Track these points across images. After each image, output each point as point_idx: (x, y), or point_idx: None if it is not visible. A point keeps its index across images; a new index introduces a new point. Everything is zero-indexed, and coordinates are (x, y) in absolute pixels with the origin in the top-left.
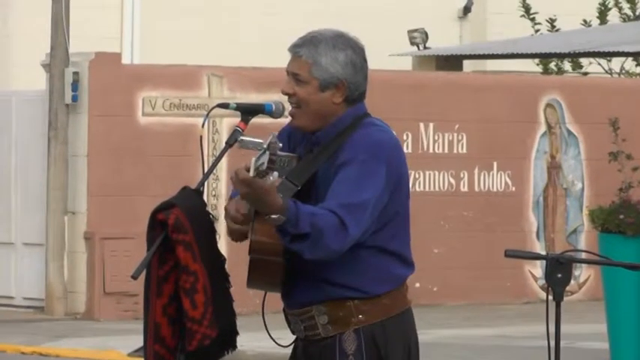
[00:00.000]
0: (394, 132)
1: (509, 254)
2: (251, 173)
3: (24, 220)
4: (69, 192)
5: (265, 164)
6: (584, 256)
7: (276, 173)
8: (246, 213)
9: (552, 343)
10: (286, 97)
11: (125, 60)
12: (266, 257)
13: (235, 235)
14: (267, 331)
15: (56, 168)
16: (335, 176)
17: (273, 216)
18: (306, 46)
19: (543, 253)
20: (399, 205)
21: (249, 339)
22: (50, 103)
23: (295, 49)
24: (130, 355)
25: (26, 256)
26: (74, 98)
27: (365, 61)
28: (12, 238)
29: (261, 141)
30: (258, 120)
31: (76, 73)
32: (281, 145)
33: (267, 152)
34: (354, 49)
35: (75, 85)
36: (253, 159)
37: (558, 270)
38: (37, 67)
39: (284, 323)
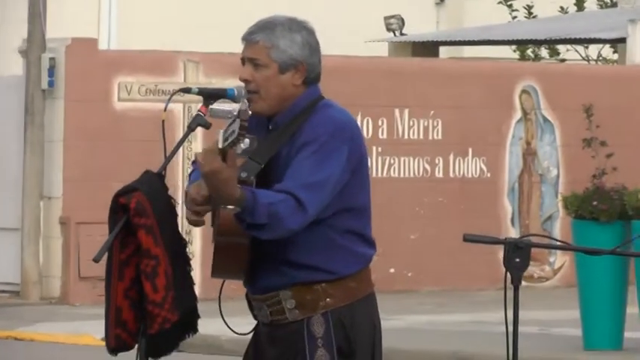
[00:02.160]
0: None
1: (468, 239)
2: (220, 145)
3: (0, 205)
4: (45, 177)
5: (237, 132)
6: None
7: (247, 140)
8: (207, 195)
9: (511, 328)
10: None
11: (102, 46)
12: (232, 239)
13: (193, 220)
14: (223, 319)
15: (32, 153)
16: (295, 156)
17: (229, 207)
18: (262, 31)
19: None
20: (362, 185)
21: (222, 324)
22: (27, 89)
23: (251, 35)
24: (103, 339)
25: (1, 240)
26: (50, 84)
27: (318, 42)
28: None
29: (231, 109)
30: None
31: (52, 59)
32: (250, 113)
33: (238, 120)
34: (308, 31)
35: (51, 71)
36: (221, 131)
37: (516, 254)
38: (14, 53)
39: (245, 309)
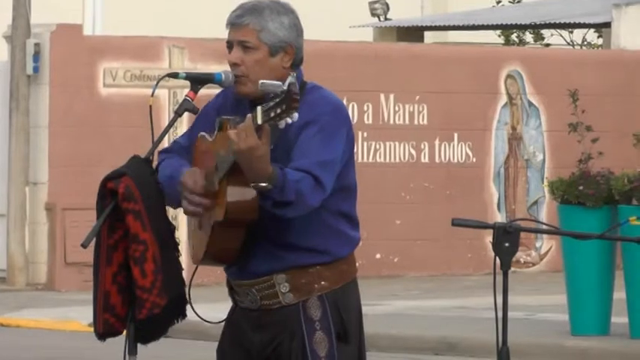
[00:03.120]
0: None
1: (457, 223)
2: (259, 121)
3: None
4: (30, 163)
5: (286, 106)
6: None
7: (296, 115)
8: (205, 184)
9: (500, 314)
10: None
11: (87, 31)
12: (242, 217)
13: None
14: (192, 307)
15: (17, 139)
16: (297, 136)
17: (261, 184)
18: (250, 14)
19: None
20: (351, 166)
21: (209, 310)
22: (12, 75)
23: (239, 18)
24: (90, 325)
25: None
26: (35, 69)
27: (302, 25)
28: None
29: (279, 83)
30: (209, 90)
31: (37, 45)
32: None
33: (284, 95)
34: (293, 13)
35: (36, 57)
36: (259, 108)
37: (505, 239)
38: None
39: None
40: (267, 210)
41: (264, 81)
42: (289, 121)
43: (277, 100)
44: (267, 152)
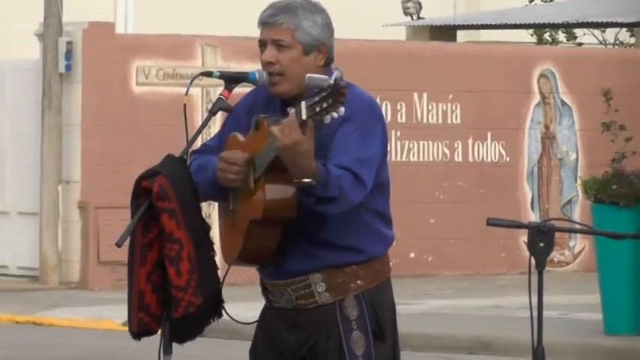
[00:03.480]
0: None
1: (492, 223)
2: (304, 116)
3: (18, 189)
4: (63, 161)
5: (333, 100)
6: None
7: (342, 109)
8: (242, 168)
9: (535, 313)
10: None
11: (119, 30)
12: (280, 215)
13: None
14: (223, 307)
15: (50, 137)
16: (334, 134)
17: (305, 180)
18: (284, 13)
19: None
20: (385, 164)
21: (243, 310)
22: (44, 73)
23: (272, 17)
24: (124, 324)
25: (20, 225)
26: (67, 68)
27: (332, 25)
28: (6, 208)
29: (326, 77)
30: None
31: (69, 43)
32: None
33: (330, 89)
34: (325, 12)
35: (68, 55)
36: (303, 103)
37: (540, 239)
38: (31, 37)
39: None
40: (308, 207)
41: (312, 75)
42: (335, 115)
43: (323, 94)
44: (312, 148)
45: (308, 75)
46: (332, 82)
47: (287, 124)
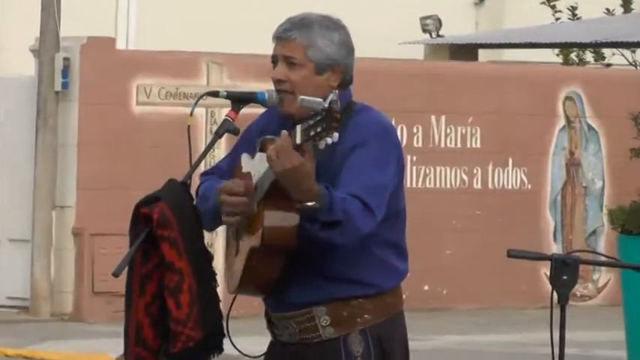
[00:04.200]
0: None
1: (513, 254)
2: (298, 140)
3: (9, 214)
4: (57, 185)
5: (327, 125)
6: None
7: (336, 135)
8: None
9: (557, 350)
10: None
11: (119, 45)
12: (280, 244)
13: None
14: (231, 341)
15: (44, 159)
16: (346, 159)
17: (309, 203)
18: (299, 28)
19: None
20: (401, 193)
21: (247, 344)
22: (39, 90)
23: (286, 32)
24: (118, 358)
25: (10, 252)
26: (64, 85)
27: (352, 43)
28: None
29: (320, 100)
30: (250, 109)
31: (66, 59)
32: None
33: (324, 113)
34: (344, 29)
35: (65, 72)
36: (298, 127)
37: (564, 271)
38: (27, 53)
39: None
40: (313, 235)
41: (304, 97)
42: (329, 141)
43: (318, 118)
44: (313, 170)
45: (300, 97)
46: (325, 105)
47: (283, 149)
